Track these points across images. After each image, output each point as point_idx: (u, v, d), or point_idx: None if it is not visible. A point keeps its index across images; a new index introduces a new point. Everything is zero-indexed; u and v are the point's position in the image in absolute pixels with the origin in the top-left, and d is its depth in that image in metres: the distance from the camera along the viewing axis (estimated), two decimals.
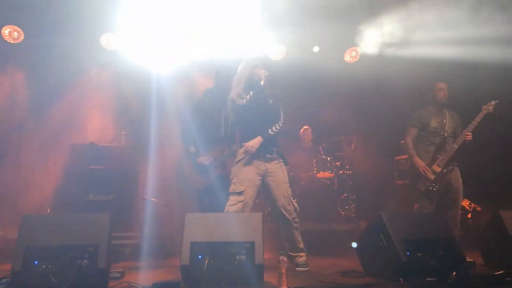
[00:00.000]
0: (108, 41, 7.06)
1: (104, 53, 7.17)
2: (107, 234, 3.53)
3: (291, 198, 4.49)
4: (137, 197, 5.94)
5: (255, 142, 4.26)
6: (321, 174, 7.39)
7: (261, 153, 4.36)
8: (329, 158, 7.46)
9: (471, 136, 5.02)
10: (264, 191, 4.54)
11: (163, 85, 6.63)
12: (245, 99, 4.28)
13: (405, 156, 7.45)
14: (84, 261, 3.36)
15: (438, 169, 5.05)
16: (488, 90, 6.03)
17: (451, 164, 5.10)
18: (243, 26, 6.55)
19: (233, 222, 3.65)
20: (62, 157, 5.98)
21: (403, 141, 7.77)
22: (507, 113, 5.26)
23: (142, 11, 6.33)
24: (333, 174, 7.45)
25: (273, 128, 4.35)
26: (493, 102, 5.07)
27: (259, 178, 4.39)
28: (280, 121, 4.39)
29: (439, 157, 5.09)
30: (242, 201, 4.24)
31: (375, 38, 7.25)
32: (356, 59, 7.77)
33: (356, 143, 7.70)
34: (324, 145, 7.63)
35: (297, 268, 4.40)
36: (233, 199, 4.27)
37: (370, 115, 7.98)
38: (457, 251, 3.86)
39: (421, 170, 5.09)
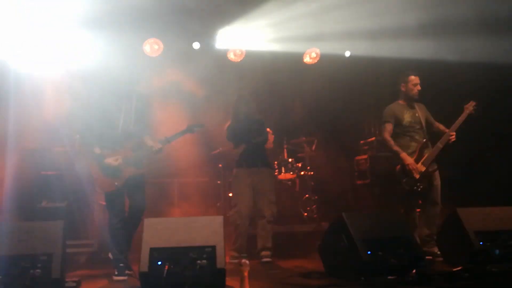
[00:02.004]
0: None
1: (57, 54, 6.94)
2: (61, 242, 3.44)
3: (272, 204, 5.22)
4: (93, 203, 5.77)
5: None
6: (283, 176, 7.39)
7: (247, 167, 5.19)
8: (290, 160, 7.47)
9: (454, 136, 4.89)
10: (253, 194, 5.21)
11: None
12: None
13: (365, 156, 7.55)
14: (37, 270, 3.26)
15: (423, 168, 4.84)
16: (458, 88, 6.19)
17: (433, 163, 4.92)
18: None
19: (193, 227, 3.59)
20: (12, 163, 5.74)
21: (362, 141, 7.93)
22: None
23: None
24: (294, 175, 7.46)
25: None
26: (472, 103, 4.95)
27: (249, 188, 5.16)
28: None
29: (425, 155, 4.90)
30: (237, 211, 5.13)
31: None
32: (316, 61, 7.83)
33: (317, 144, 7.75)
34: (285, 146, 7.65)
35: (262, 260, 4.98)
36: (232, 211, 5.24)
37: (330, 116, 8.06)
38: (416, 249, 3.93)
39: (409, 167, 4.81)
